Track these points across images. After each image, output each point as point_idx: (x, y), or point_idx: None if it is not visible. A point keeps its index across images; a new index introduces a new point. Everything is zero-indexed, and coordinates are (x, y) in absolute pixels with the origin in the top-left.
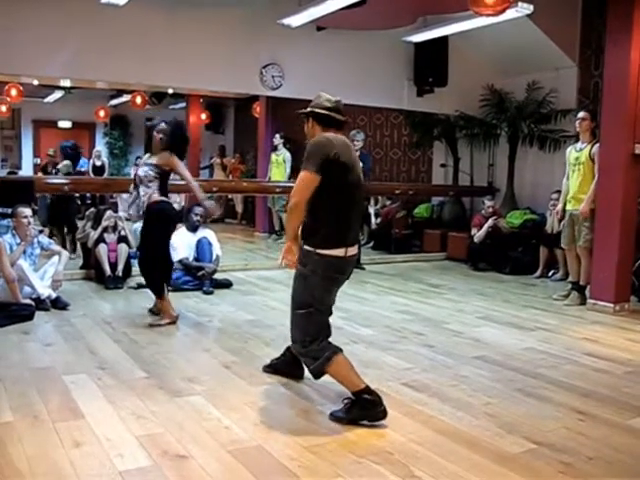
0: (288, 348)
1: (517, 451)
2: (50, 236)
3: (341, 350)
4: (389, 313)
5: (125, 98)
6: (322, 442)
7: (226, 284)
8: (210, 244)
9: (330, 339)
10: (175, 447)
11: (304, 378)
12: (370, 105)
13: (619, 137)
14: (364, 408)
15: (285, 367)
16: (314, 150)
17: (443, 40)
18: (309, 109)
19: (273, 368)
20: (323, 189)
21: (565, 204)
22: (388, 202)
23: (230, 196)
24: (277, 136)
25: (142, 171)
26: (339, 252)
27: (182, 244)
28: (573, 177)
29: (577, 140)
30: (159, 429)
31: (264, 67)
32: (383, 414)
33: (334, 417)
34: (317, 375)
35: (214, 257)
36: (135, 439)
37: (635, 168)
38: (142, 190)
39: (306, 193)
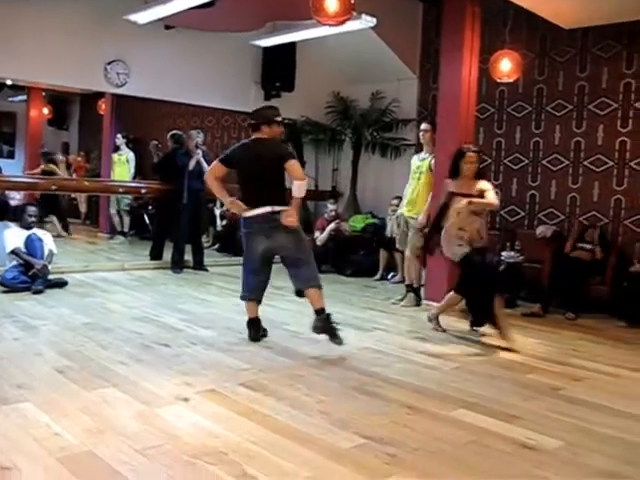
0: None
1: (348, 446)
2: None
3: None
4: (231, 315)
5: None
6: (155, 444)
7: (60, 283)
8: (40, 240)
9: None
10: None
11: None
12: (217, 107)
13: (451, 149)
14: None
15: None
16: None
17: (291, 46)
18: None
19: None
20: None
21: None
22: None
23: (73, 195)
24: (119, 136)
25: None
26: None
27: (13, 237)
28: (412, 184)
29: (421, 149)
30: None
31: (109, 63)
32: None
33: None
34: None
35: (46, 253)
36: None
37: None
38: None
39: None
